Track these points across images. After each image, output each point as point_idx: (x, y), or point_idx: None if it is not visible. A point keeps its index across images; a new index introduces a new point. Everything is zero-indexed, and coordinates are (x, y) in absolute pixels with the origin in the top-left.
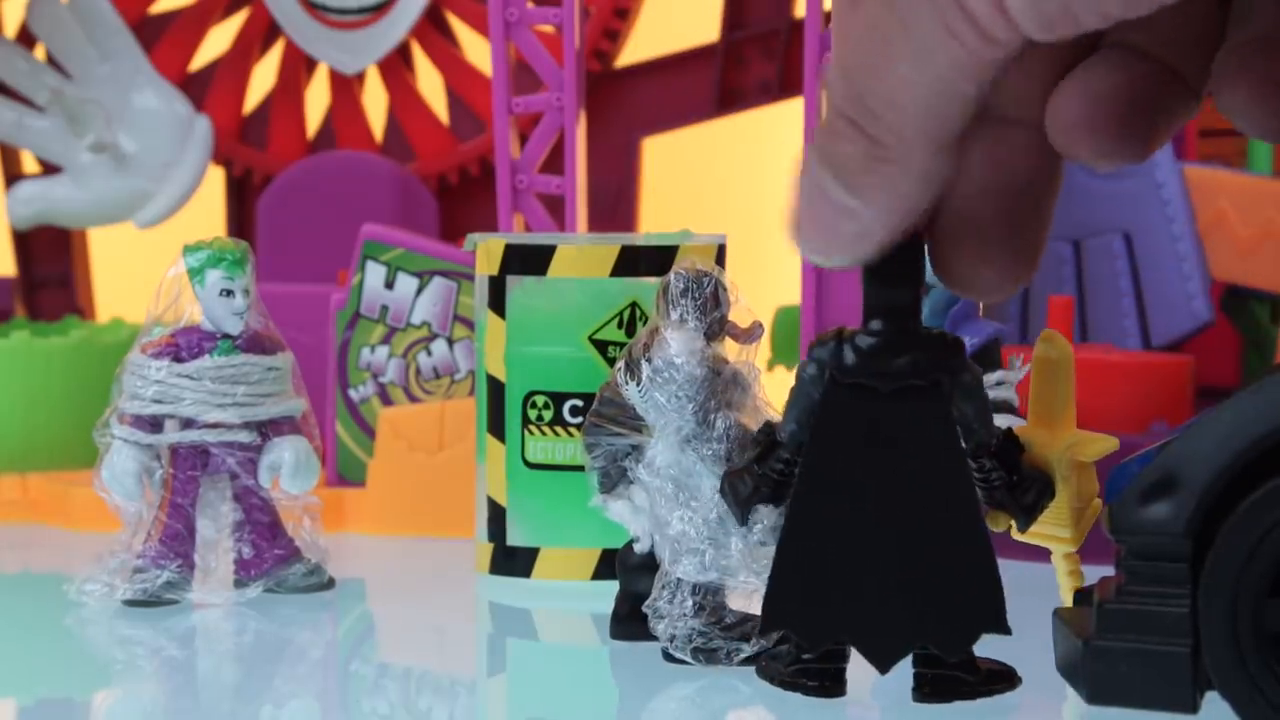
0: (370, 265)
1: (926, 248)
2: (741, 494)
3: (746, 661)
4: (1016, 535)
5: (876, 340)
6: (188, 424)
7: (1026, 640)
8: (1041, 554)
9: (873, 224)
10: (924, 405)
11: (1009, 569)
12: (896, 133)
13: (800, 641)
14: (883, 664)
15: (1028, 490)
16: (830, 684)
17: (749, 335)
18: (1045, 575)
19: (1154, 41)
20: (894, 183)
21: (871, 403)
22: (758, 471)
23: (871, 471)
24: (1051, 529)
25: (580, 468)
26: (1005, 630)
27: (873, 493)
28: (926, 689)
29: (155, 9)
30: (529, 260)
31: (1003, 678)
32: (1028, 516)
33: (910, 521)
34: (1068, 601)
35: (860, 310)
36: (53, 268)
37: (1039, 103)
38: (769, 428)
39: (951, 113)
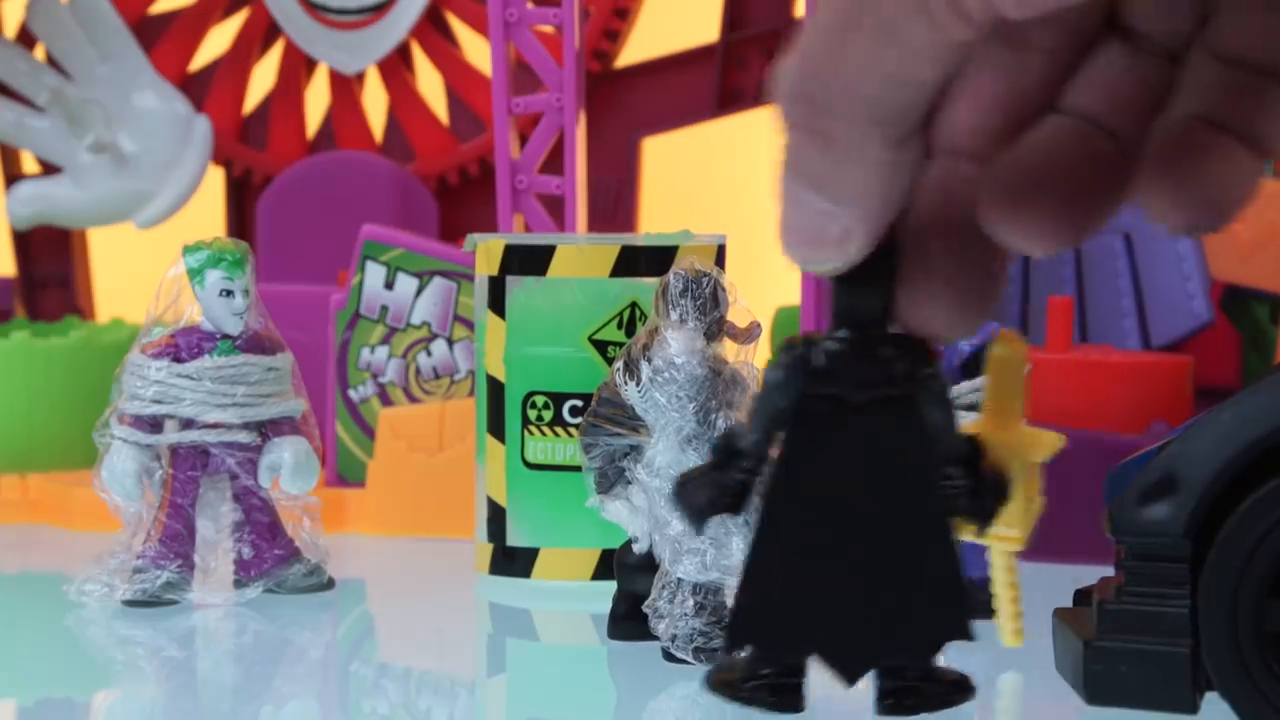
0: (370, 265)
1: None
2: (698, 504)
3: None
4: (968, 538)
5: (847, 348)
6: (187, 424)
7: (1026, 640)
8: (1041, 554)
9: (853, 223)
10: (896, 415)
11: None
12: (847, 124)
13: (768, 656)
14: (850, 677)
15: (988, 495)
16: (789, 698)
17: (748, 335)
18: (1045, 575)
19: (1105, 110)
20: (854, 178)
21: (842, 413)
22: (717, 480)
23: (841, 483)
24: (1000, 529)
25: (580, 468)
26: (970, 637)
27: (842, 505)
28: (890, 701)
29: (155, 9)
30: (529, 260)
31: (962, 687)
32: (987, 520)
33: (879, 533)
34: (1006, 608)
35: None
36: (53, 268)
37: (993, 139)
38: (730, 435)
39: (906, 101)
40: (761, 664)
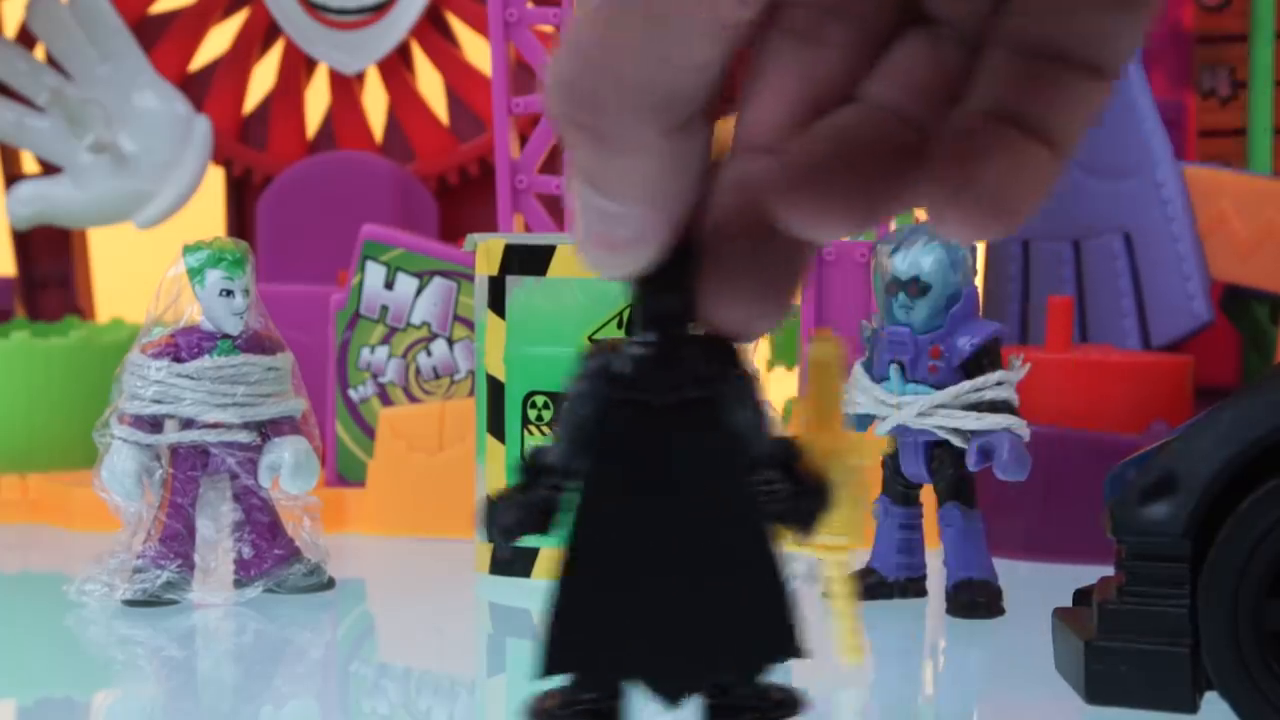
0: (370, 265)
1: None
2: (506, 525)
3: None
4: (792, 547)
5: (648, 351)
6: (187, 424)
7: (1027, 640)
8: (1041, 554)
9: (642, 223)
10: (702, 418)
11: (1009, 568)
12: (618, 115)
13: (585, 684)
14: (674, 700)
15: (808, 499)
16: None
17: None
18: (1045, 575)
19: (904, 98)
20: (633, 171)
21: (647, 419)
22: (524, 500)
23: (650, 493)
24: (826, 537)
25: None
26: (800, 655)
27: (654, 515)
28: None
29: (155, 9)
30: (529, 260)
31: (788, 705)
32: (809, 526)
33: (694, 546)
34: (842, 623)
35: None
36: (53, 268)
37: (791, 134)
38: (535, 451)
39: (683, 85)
40: (580, 690)
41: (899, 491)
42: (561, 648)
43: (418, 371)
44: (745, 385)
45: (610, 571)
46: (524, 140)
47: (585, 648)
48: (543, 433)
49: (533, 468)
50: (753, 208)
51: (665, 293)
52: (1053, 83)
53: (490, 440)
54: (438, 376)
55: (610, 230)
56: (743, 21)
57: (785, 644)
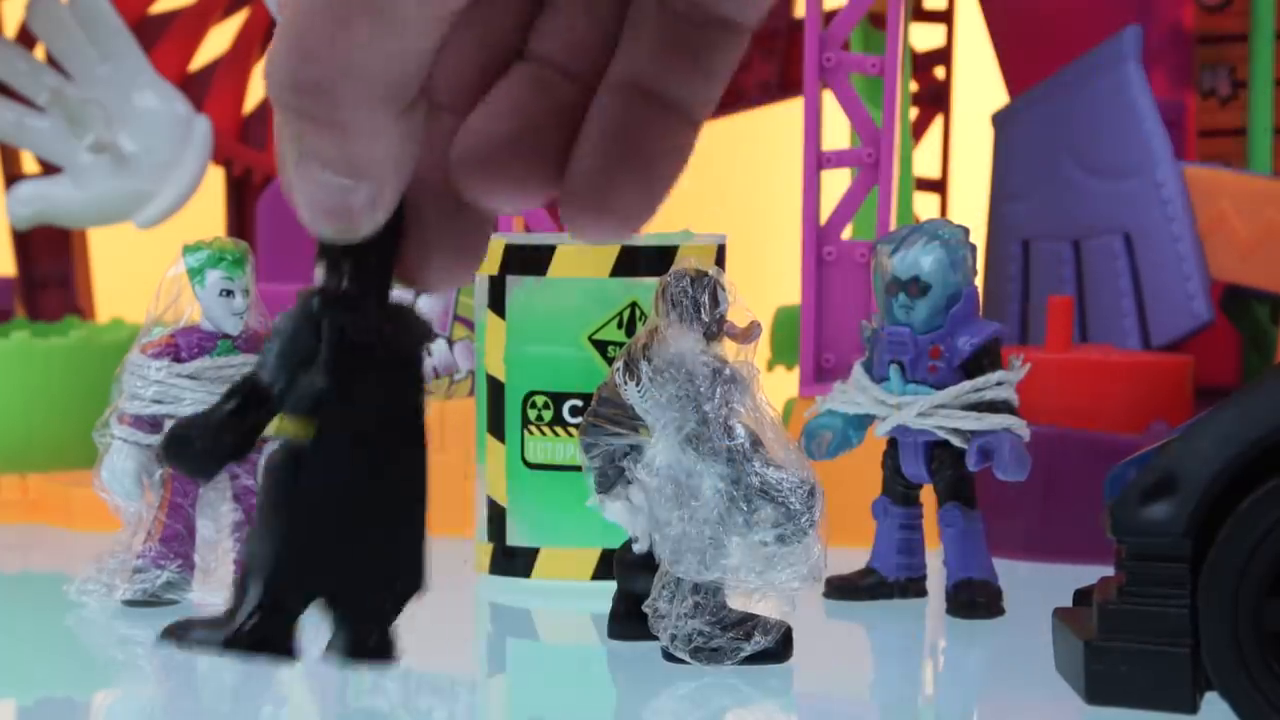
0: None
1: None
2: (219, 450)
3: (747, 661)
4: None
5: (387, 307)
6: None
7: (1027, 640)
8: (1041, 554)
9: (374, 192)
10: (412, 379)
11: (1009, 568)
12: (354, 106)
13: (295, 606)
14: (354, 617)
15: None
16: (288, 645)
17: (747, 335)
18: (1045, 575)
19: (565, 53)
20: (370, 152)
21: (375, 370)
22: (240, 427)
23: (367, 438)
24: None
25: (580, 468)
26: (419, 588)
27: (366, 458)
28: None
29: (155, 9)
30: (529, 260)
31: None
32: None
33: (385, 489)
34: None
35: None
36: (53, 268)
37: (470, 91)
38: (251, 379)
39: (410, 70)
40: (258, 615)
41: (899, 492)
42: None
43: None
44: (426, 346)
45: (333, 506)
46: None
47: (292, 570)
48: (543, 432)
49: (251, 394)
50: (439, 163)
51: (367, 251)
52: (694, 46)
53: (490, 440)
54: (438, 376)
55: (343, 201)
56: (461, 7)
57: (417, 580)
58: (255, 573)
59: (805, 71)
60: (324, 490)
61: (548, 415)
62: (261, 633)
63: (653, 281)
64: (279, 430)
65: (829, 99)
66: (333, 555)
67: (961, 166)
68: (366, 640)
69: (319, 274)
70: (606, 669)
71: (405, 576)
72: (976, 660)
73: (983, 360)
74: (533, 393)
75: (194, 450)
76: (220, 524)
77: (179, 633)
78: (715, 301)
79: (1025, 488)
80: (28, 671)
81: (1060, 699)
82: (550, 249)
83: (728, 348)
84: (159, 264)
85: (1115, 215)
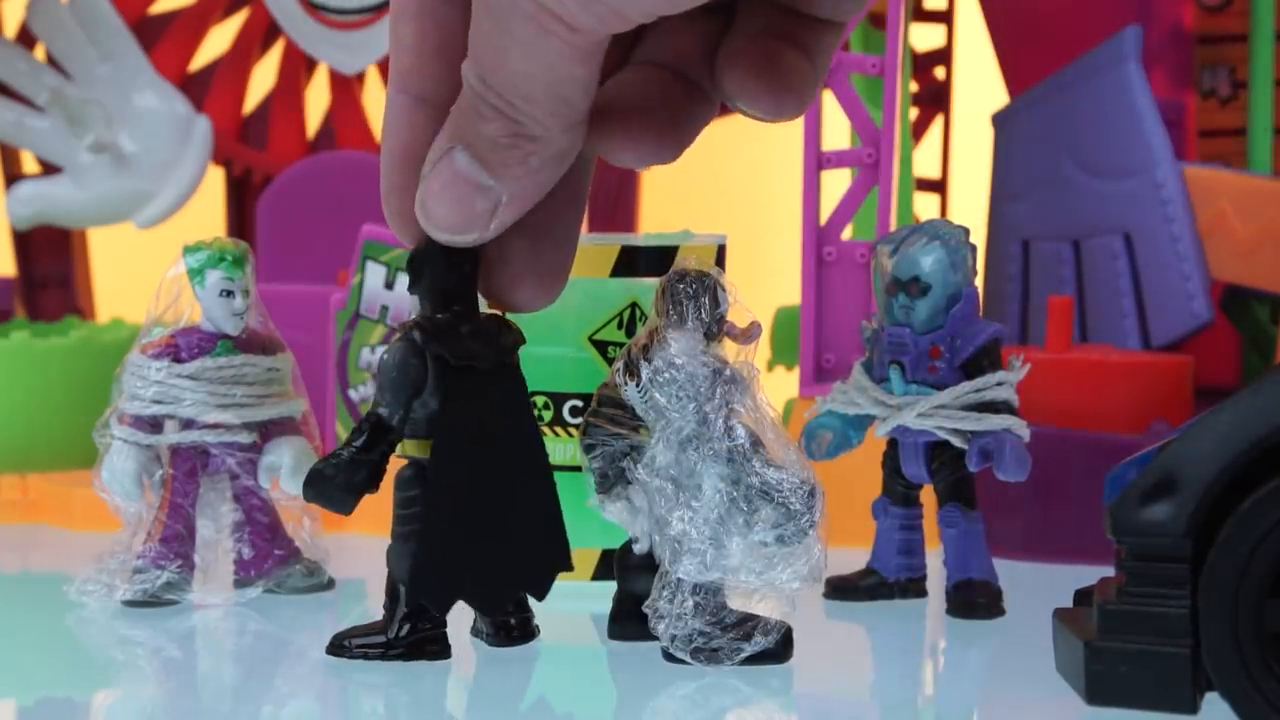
0: (370, 265)
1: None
2: (356, 482)
3: (747, 661)
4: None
5: (475, 326)
6: (187, 424)
7: (1027, 640)
8: (1041, 554)
9: (505, 202)
10: (512, 380)
11: (1009, 568)
12: (533, 117)
13: (437, 611)
14: (491, 612)
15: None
16: (443, 647)
17: (747, 335)
18: (1045, 575)
19: (674, 59)
20: (533, 162)
21: (477, 382)
22: (369, 459)
23: (483, 443)
24: None
25: (580, 468)
26: (569, 567)
27: (484, 463)
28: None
29: (155, 9)
30: None
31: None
32: None
33: (508, 484)
34: None
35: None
36: (53, 268)
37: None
38: (373, 415)
39: (573, 94)
40: (410, 622)
41: (899, 492)
42: (425, 580)
43: None
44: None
45: (458, 510)
46: None
47: (439, 580)
48: (543, 433)
49: (375, 429)
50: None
51: (453, 270)
52: (796, 19)
53: None
54: None
55: (473, 200)
56: (598, 43)
57: (563, 559)
58: (401, 583)
59: None
60: (451, 500)
61: (548, 415)
62: (414, 637)
63: (653, 282)
64: (403, 452)
65: (829, 99)
66: (467, 556)
67: (961, 166)
68: (509, 625)
69: (415, 307)
70: (606, 669)
71: (554, 557)
72: (976, 660)
73: (983, 361)
74: (533, 393)
75: (334, 485)
76: (220, 524)
77: (341, 644)
78: (715, 302)
79: (1025, 488)
80: (28, 671)
81: (1060, 699)
82: None
83: (728, 348)
84: (159, 264)
85: (1115, 215)
